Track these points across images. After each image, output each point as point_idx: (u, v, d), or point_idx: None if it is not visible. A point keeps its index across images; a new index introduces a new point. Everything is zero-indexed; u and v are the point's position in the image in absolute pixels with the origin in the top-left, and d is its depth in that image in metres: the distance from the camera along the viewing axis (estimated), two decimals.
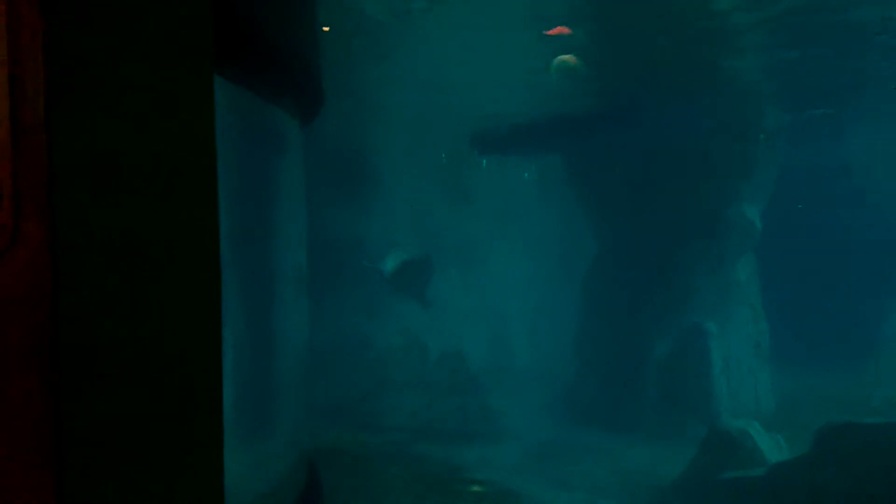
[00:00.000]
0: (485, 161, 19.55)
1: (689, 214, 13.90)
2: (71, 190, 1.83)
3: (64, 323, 1.78)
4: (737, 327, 14.31)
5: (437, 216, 17.80)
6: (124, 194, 1.90)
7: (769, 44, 10.41)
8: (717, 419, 11.85)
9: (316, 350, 12.84)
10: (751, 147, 13.87)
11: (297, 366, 6.36)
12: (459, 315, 17.82)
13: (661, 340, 14.02)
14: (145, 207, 1.95)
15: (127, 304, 1.89)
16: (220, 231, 2.15)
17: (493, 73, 11.84)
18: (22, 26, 1.80)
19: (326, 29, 8.65)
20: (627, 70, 11.62)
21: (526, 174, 22.09)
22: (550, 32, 7.25)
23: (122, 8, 1.95)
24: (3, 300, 1.74)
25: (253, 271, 5.40)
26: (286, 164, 6.33)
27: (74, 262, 1.81)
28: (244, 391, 4.28)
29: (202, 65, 2.19)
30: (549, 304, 19.88)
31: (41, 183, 1.79)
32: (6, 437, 1.72)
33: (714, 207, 13.87)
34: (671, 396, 13.66)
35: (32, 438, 1.74)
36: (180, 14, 2.11)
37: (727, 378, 13.78)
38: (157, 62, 1.98)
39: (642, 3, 8.50)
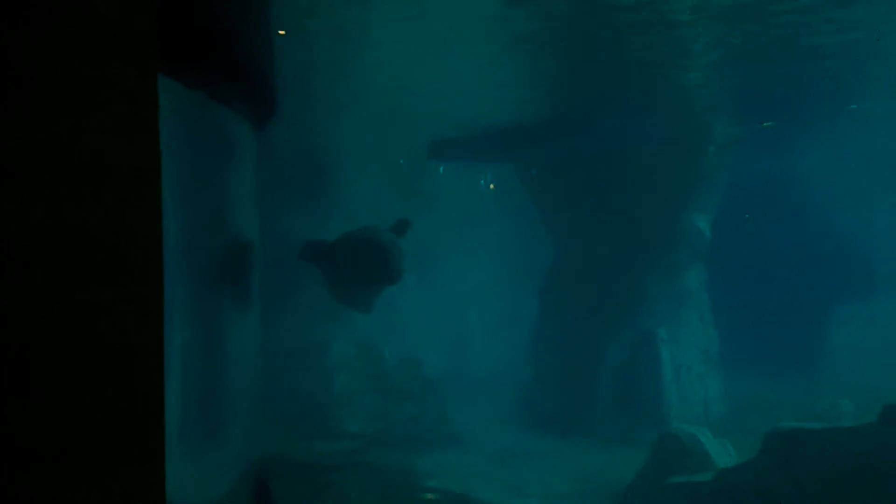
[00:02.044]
0: (442, 167, 19.60)
1: (641, 223, 14.16)
2: None
3: None
4: (687, 334, 14.61)
5: (391, 214, 17.77)
6: (49, 191, 1.83)
7: (718, 59, 10.67)
8: (667, 425, 12.06)
9: (270, 356, 12.67)
10: (700, 158, 14.21)
11: (247, 373, 6.26)
12: (416, 321, 17.79)
13: (615, 347, 14.23)
14: (76, 205, 1.89)
15: (54, 306, 1.82)
16: (163, 233, 2.10)
17: (451, 82, 11.88)
18: None
19: (282, 33, 8.57)
20: (580, 81, 11.78)
21: (482, 181, 22.23)
22: None
23: (58, 1, 1.90)
24: None
25: (202, 275, 5.30)
26: (237, 167, 6.24)
27: None
28: (190, 400, 4.18)
29: (144, 60, 2.14)
30: (506, 311, 19.99)
31: None
32: None
33: (665, 217, 14.15)
34: (624, 402, 13.86)
35: None
36: (120, 8, 2.06)
37: (678, 384, 14.04)
38: (94, 57, 1.93)
39: (594, 16, 8.63)
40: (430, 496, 10.59)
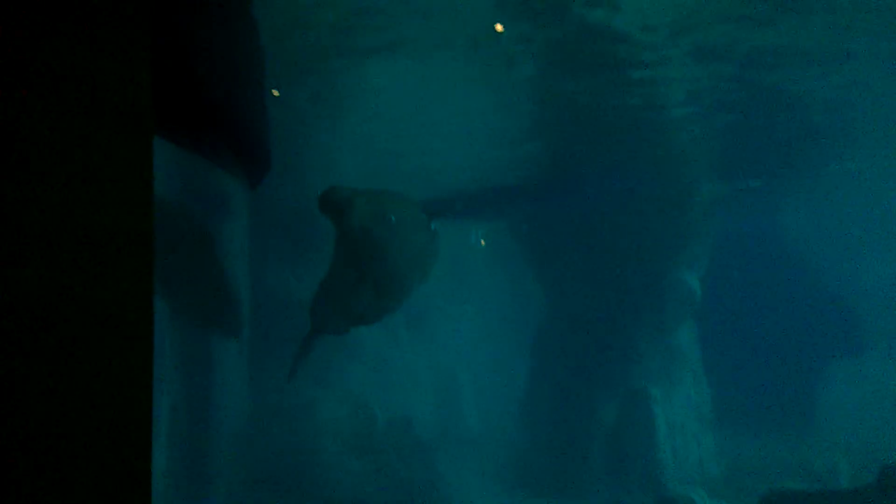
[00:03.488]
0: (434, 224, 19.70)
1: (632, 281, 14.21)
2: None
3: None
4: (680, 393, 14.49)
5: None
6: (42, 256, 1.84)
7: (706, 123, 10.94)
8: (662, 486, 11.85)
9: (257, 416, 12.44)
10: (688, 216, 14.37)
11: (234, 434, 6.15)
12: (408, 378, 17.59)
13: (607, 405, 14.08)
14: (69, 269, 1.89)
15: (45, 371, 1.81)
16: (154, 295, 2.10)
17: (443, 142, 12.08)
18: None
19: (276, 93, 8.73)
20: (570, 142, 12.01)
21: (474, 238, 22.33)
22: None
23: (57, 69, 1.93)
24: None
25: (191, 335, 5.25)
26: (229, 225, 6.27)
27: None
28: (176, 461, 4.10)
29: (140, 129, 2.17)
30: (498, 368, 19.82)
31: None
32: None
33: (654, 274, 14.22)
34: (618, 463, 13.64)
35: None
36: (119, 77, 2.10)
37: (672, 444, 13.85)
38: (93, 126, 1.96)
39: (584, 81, 8.86)
40: None
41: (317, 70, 8.37)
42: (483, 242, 22.06)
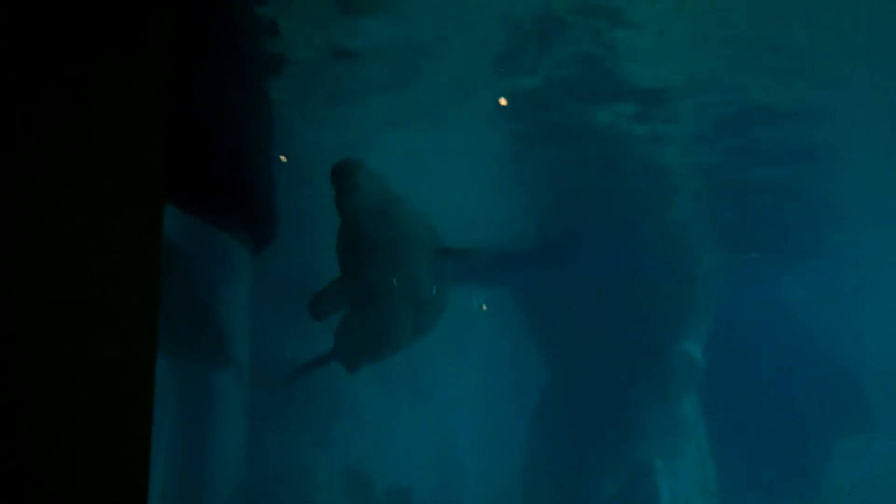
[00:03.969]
0: (434, 288, 19.72)
1: (634, 351, 14.14)
2: None
3: None
4: (684, 466, 14.21)
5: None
6: (52, 318, 1.90)
7: (705, 196, 11.12)
8: None
9: (254, 479, 12.21)
10: (689, 286, 14.40)
11: (230, 497, 6.08)
12: (408, 444, 17.31)
13: (611, 478, 13.80)
14: (74, 337, 1.95)
15: (45, 438, 1.85)
16: (155, 367, 2.14)
17: (442, 207, 12.24)
18: None
19: (284, 159, 8.93)
20: (571, 210, 12.18)
21: (475, 301, 22.31)
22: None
23: (72, 151, 2.03)
24: None
25: (190, 395, 5.25)
26: (232, 290, 6.33)
27: None
28: None
29: (152, 201, 2.26)
30: (500, 436, 19.50)
31: None
32: None
33: (657, 344, 14.15)
34: None
35: None
36: (133, 147, 2.19)
37: None
38: (105, 204, 2.05)
39: (584, 152, 9.08)
40: None
41: (324, 129, 8.57)
42: (485, 307, 22.03)
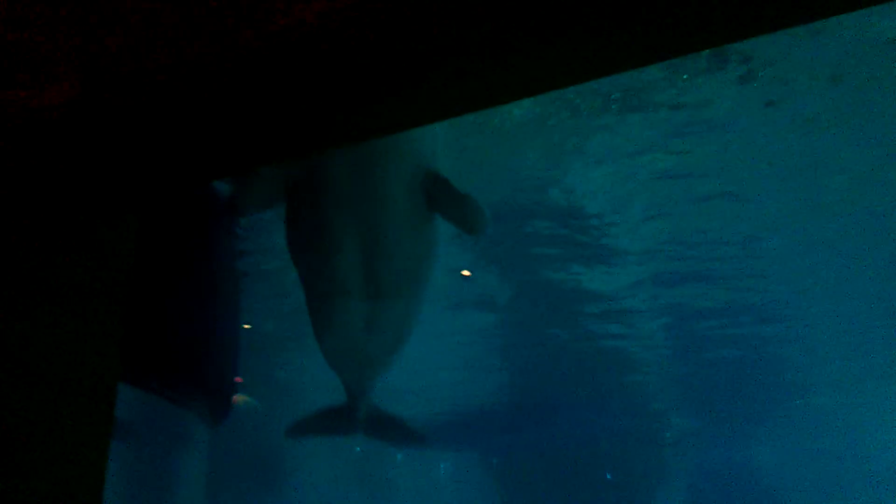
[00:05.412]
0: (400, 455, 19.06)
1: None
2: None
3: None
4: None
5: None
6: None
7: (672, 363, 11.24)
8: None
9: None
10: (660, 450, 14.16)
11: None
12: None
13: None
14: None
15: None
16: None
17: (410, 376, 12.12)
18: None
19: (247, 326, 8.87)
20: (542, 375, 12.14)
21: (442, 467, 21.50)
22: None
23: (25, 345, 2.01)
24: None
25: None
26: (187, 460, 6.06)
27: None
28: None
29: (106, 380, 2.21)
30: None
31: None
32: None
33: None
34: None
35: None
36: (90, 331, 2.17)
37: None
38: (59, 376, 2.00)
39: (553, 322, 9.22)
40: None
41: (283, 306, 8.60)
42: (442, 468, 21.22)
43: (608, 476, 13.69)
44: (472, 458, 16.89)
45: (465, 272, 7.62)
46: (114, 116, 1.85)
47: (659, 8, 1.43)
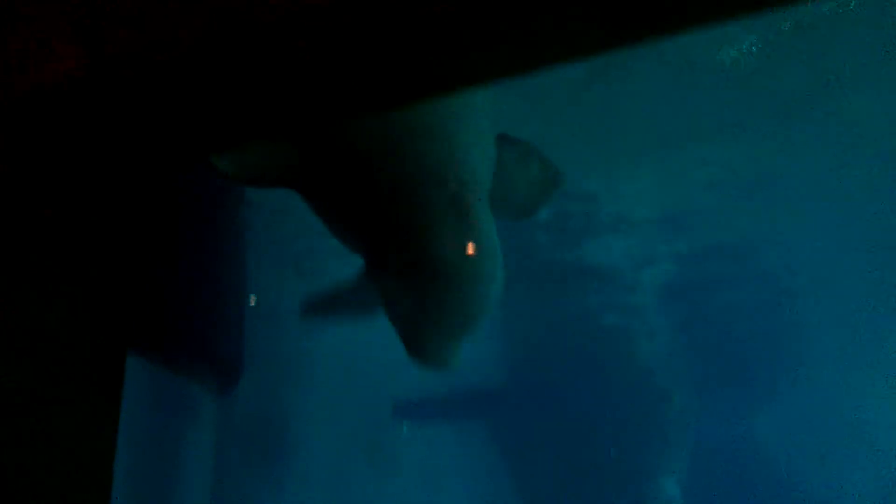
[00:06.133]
0: (405, 427, 19.26)
1: (610, 488, 13.75)
2: None
3: None
4: None
5: (359, 485, 16.99)
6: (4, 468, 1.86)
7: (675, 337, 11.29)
8: None
9: None
10: (664, 423, 14.25)
11: None
12: None
13: None
14: (26, 481, 1.91)
15: None
16: None
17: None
18: None
19: (254, 301, 8.96)
20: (543, 349, 12.24)
21: (450, 441, 21.71)
22: None
23: (26, 314, 2.06)
24: None
25: None
26: (194, 434, 6.16)
27: None
28: None
29: (112, 356, 2.28)
30: None
31: None
32: None
33: (632, 481, 13.80)
34: None
35: None
36: (91, 313, 2.23)
37: None
38: (62, 368, 2.07)
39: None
40: None
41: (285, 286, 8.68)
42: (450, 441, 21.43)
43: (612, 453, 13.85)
44: (477, 430, 17.04)
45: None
46: (115, 93, 1.87)
47: None
